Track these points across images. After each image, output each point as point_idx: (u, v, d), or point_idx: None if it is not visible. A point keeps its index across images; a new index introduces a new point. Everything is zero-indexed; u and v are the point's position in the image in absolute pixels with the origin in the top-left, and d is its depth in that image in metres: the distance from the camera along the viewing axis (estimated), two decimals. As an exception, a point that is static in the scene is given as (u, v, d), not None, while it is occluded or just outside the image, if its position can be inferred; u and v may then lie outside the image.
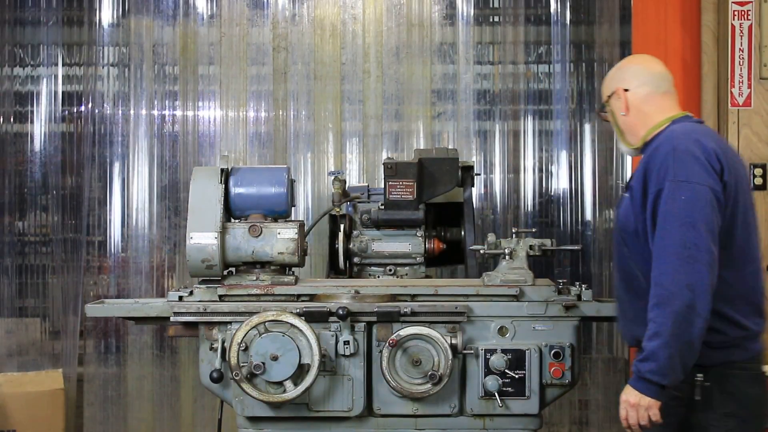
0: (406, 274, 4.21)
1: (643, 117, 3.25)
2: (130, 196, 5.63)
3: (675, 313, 2.92)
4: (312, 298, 3.50)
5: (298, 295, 3.52)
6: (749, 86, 5.42)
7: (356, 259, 4.22)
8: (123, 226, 5.63)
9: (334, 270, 4.26)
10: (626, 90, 3.27)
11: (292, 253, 3.55)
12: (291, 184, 3.64)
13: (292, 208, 3.68)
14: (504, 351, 3.41)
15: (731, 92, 5.45)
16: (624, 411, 3.02)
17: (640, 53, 5.35)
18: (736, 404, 3.08)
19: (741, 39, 5.40)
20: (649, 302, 2.97)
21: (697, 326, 2.93)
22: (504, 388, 3.40)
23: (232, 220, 3.65)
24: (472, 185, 4.34)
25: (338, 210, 4.22)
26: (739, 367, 3.09)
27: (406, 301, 3.48)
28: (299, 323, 3.29)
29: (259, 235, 3.54)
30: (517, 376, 3.40)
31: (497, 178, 5.66)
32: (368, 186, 4.54)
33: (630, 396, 2.99)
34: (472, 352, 3.40)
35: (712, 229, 2.99)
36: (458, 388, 3.43)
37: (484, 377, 3.40)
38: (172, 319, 3.48)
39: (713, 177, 3.03)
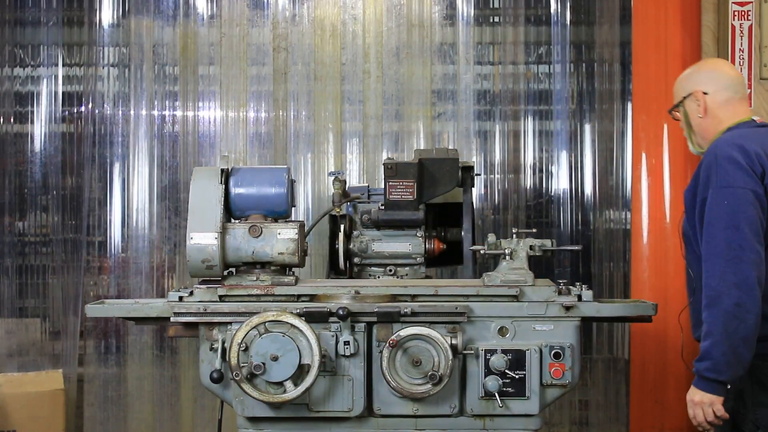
0: (407, 275, 4.21)
1: (717, 122, 3.37)
2: (131, 197, 5.63)
3: (725, 312, 3.08)
4: (312, 298, 3.50)
5: (299, 296, 3.52)
6: (749, 86, 5.42)
7: (356, 260, 4.22)
8: (123, 226, 5.63)
9: (334, 270, 4.26)
10: (705, 93, 3.38)
11: (293, 253, 3.55)
12: (291, 184, 3.64)
13: (293, 208, 3.69)
14: (504, 351, 3.41)
15: (731, 92, 5.43)
16: (691, 410, 3.19)
17: (640, 53, 5.37)
18: (765, 394, 3.20)
19: (741, 39, 5.40)
20: (703, 302, 3.13)
21: (748, 322, 3.08)
22: (504, 389, 3.40)
23: (233, 220, 3.65)
24: (473, 185, 4.34)
25: (338, 210, 4.22)
26: None
27: (407, 301, 3.48)
28: (299, 323, 3.29)
29: (260, 235, 3.54)
30: (517, 377, 3.40)
31: (497, 178, 5.66)
32: (368, 186, 4.54)
33: (694, 395, 3.17)
34: (473, 352, 3.40)
35: (756, 230, 3.12)
36: (458, 388, 3.43)
37: (485, 377, 3.40)
38: (172, 319, 3.48)
39: (755, 180, 3.15)
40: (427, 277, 4.27)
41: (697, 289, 3.27)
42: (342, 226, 4.21)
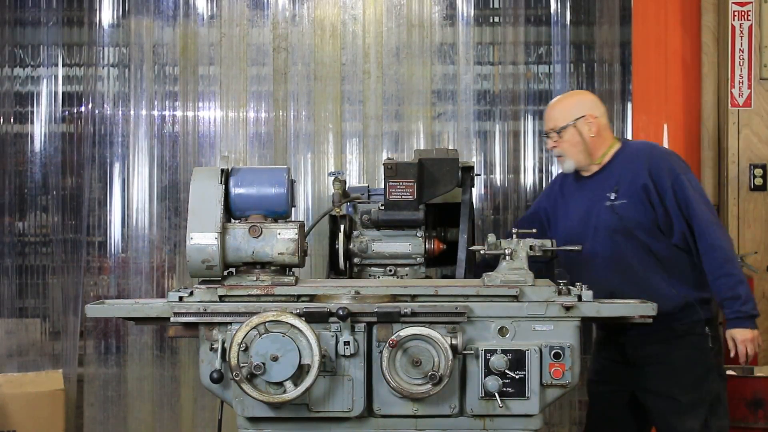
0: (407, 275, 4.21)
1: (602, 140, 4.12)
2: (131, 197, 5.63)
3: (738, 263, 3.99)
4: (312, 298, 3.50)
5: (299, 296, 3.52)
6: (749, 87, 5.42)
7: (356, 260, 4.22)
8: (123, 226, 5.64)
9: (334, 270, 4.26)
10: (596, 117, 4.11)
11: (293, 253, 3.54)
12: (291, 184, 3.64)
13: (293, 208, 3.68)
14: (504, 351, 3.40)
15: (731, 93, 5.45)
16: (744, 347, 3.86)
17: (640, 53, 5.38)
18: (720, 347, 4.02)
19: (741, 39, 5.41)
20: (714, 263, 3.89)
21: None
22: (504, 389, 3.39)
23: (233, 220, 3.65)
24: (472, 186, 4.34)
25: (338, 210, 4.21)
26: (717, 320, 4.08)
27: (407, 301, 3.48)
28: (299, 324, 3.29)
29: (260, 235, 3.53)
30: (517, 377, 3.40)
31: (497, 178, 5.66)
32: (368, 186, 4.54)
33: (746, 334, 3.86)
34: (473, 352, 3.40)
35: None
36: (458, 388, 3.43)
37: (485, 378, 3.40)
38: (172, 319, 3.48)
39: None
40: (428, 277, 4.27)
41: (635, 275, 3.97)
42: (342, 226, 4.20)
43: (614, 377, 4.14)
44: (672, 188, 3.96)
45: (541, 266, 3.96)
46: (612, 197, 4.06)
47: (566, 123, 4.10)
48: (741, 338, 3.87)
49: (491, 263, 3.89)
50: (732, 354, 3.92)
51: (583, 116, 4.09)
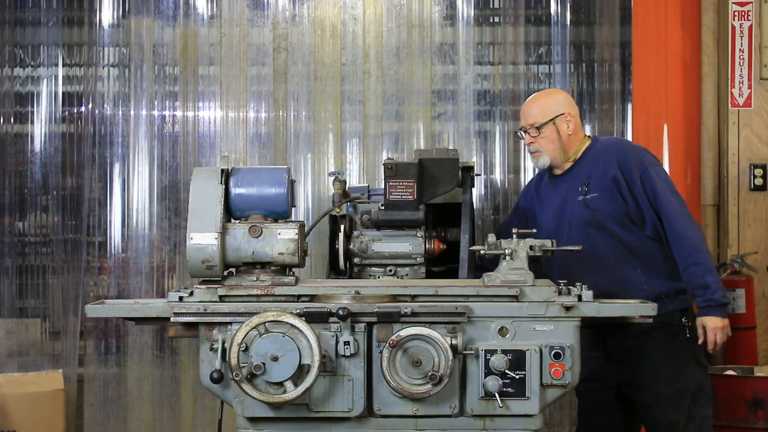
0: (407, 275, 4.21)
1: (576, 138, 4.25)
2: (131, 197, 5.63)
3: (708, 251, 4.05)
4: (312, 298, 3.50)
5: (299, 296, 3.52)
6: (749, 87, 5.42)
7: (356, 260, 4.22)
8: (123, 226, 5.64)
9: (334, 270, 4.26)
10: (573, 115, 4.24)
11: (293, 253, 3.55)
12: (291, 184, 3.64)
13: (293, 208, 3.68)
14: (504, 351, 3.41)
15: (731, 93, 5.46)
16: (713, 335, 3.97)
17: (640, 53, 5.38)
18: (696, 336, 4.07)
19: (741, 39, 5.41)
20: (683, 252, 4.00)
21: None
22: (504, 389, 3.40)
23: (233, 220, 3.65)
24: (473, 186, 4.34)
25: (338, 210, 4.21)
26: (694, 310, 4.10)
27: (407, 301, 3.48)
28: (299, 324, 3.29)
29: (260, 235, 3.54)
30: (517, 377, 3.40)
31: (497, 178, 5.66)
32: (368, 186, 4.54)
33: (717, 322, 3.96)
34: (473, 352, 3.40)
35: None
36: (458, 388, 3.43)
37: (485, 378, 3.40)
38: (172, 319, 3.48)
39: None
40: (428, 277, 4.27)
41: (608, 265, 4.08)
42: (342, 227, 4.21)
43: (599, 374, 4.17)
44: (640, 179, 4.07)
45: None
46: (584, 191, 4.16)
47: (546, 120, 4.23)
48: (711, 326, 3.99)
49: (484, 265, 3.98)
50: (701, 341, 4.04)
51: (562, 114, 4.22)
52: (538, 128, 4.23)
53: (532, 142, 4.27)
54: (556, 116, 4.22)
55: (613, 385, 4.21)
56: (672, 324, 4.08)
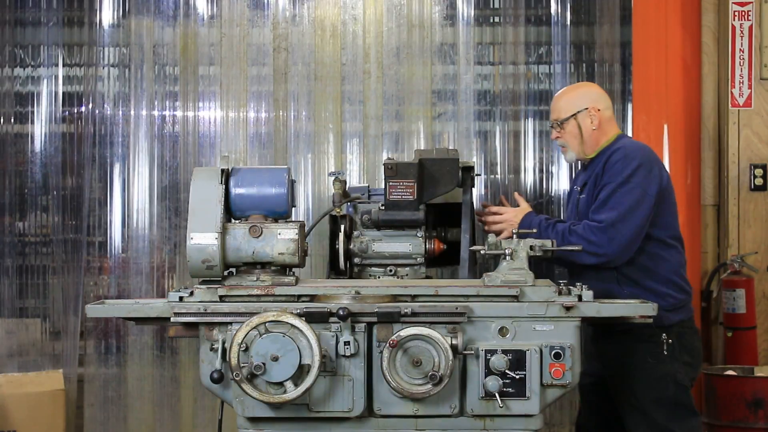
0: (407, 275, 4.21)
1: (603, 133, 4.17)
2: (131, 197, 5.63)
3: (565, 243, 3.98)
4: (312, 298, 3.50)
5: (299, 296, 3.52)
6: (749, 87, 5.42)
7: (357, 260, 4.22)
8: (123, 226, 5.64)
9: (334, 270, 4.26)
10: (599, 110, 4.17)
11: (293, 253, 3.55)
12: (291, 184, 3.64)
13: (293, 208, 3.68)
14: (504, 351, 3.40)
15: (731, 93, 5.46)
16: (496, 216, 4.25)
17: (640, 53, 5.37)
18: (689, 355, 4.04)
19: (741, 39, 5.41)
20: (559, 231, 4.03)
21: None
22: (504, 389, 3.40)
23: (233, 220, 3.65)
24: (473, 186, 4.34)
25: (339, 210, 4.22)
26: (688, 326, 4.07)
27: (407, 301, 3.48)
28: (300, 324, 3.29)
29: (260, 235, 3.54)
30: (517, 377, 3.40)
31: (497, 178, 5.66)
32: (369, 186, 4.54)
33: (509, 215, 4.24)
34: (473, 352, 3.40)
35: None
36: (458, 388, 3.43)
37: (485, 378, 3.40)
38: (172, 319, 3.48)
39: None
40: (428, 277, 4.27)
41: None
42: (342, 227, 4.21)
43: (589, 367, 4.17)
44: (603, 186, 4.02)
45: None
46: (579, 190, 4.21)
47: (568, 114, 4.19)
48: (504, 214, 4.24)
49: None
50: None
51: (585, 108, 4.17)
52: (561, 123, 4.22)
53: (557, 137, 4.26)
54: (578, 111, 4.17)
55: (601, 379, 4.20)
56: (649, 339, 4.00)
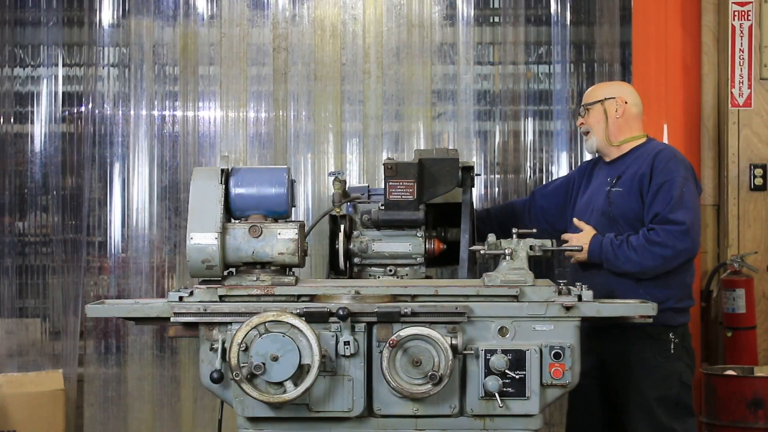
0: (407, 275, 4.21)
1: (628, 127, 4.28)
2: (131, 197, 5.63)
3: (645, 272, 4.09)
4: (312, 298, 3.51)
5: (299, 296, 3.52)
6: (749, 87, 5.42)
7: (356, 260, 4.22)
8: (123, 226, 5.63)
9: (334, 270, 4.26)
10: (626, 102, 4.27)
11: (293, 253, 3.55)
12: (291, 184, 3.64)
13: (293, 208, 3.68)
14: (504, 351, 3.41)
15: (731, 93, 5.45)
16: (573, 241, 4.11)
17: (640, 53, 5.38)
18: (688, 357, 4.15)
19: (741, 39, 5.40)
20: (633, 245, 4.04)
21: None
22: (504, 389, 3.40)
23: (233, 220, 3.65)
24: (473, 186, 4.34)
25: (338, 210, 4.22)
26: (687, 328, 4.17)
27: (407, 301, 3.48)
28: (299, 324, 3.29)
29: (260, 235, 3.54)
30: (517, 377, 3.40)
31: (497, 178, 5.66)
32: (368, 186, 4.54)
33: (583, 238, 4.12)
34: (473, 352, 3.40)
35: None
36: (458, 388, 3.43)
37: (485, 378, 3.40)
38: (172, 319, 3.48)
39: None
40: (428, 277, 4.27)
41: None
42: (342, 226, 4.21)
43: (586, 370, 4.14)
44: (660, 184, 4.06)
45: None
46: (611, 183, 4.20)
47: (595, 99, 4.30)
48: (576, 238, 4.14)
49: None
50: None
51: (613, 97, 4.28)
52: (587, 107, 4.31)
53: (582, 123, 4.34)
54: (606, 98, 4.28)
55: (596, 380, 4.19)
56: (657, 337, 4.07)
